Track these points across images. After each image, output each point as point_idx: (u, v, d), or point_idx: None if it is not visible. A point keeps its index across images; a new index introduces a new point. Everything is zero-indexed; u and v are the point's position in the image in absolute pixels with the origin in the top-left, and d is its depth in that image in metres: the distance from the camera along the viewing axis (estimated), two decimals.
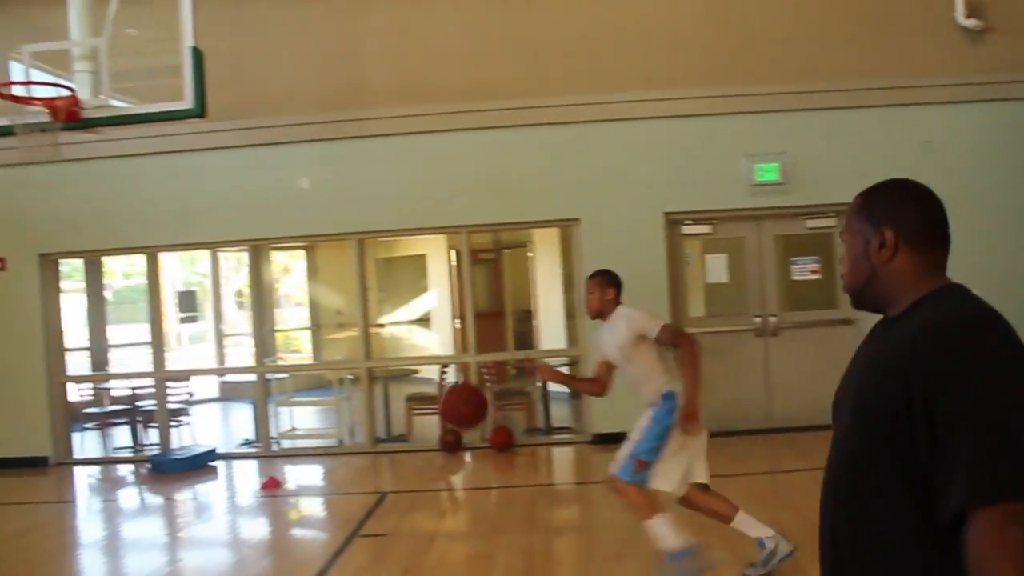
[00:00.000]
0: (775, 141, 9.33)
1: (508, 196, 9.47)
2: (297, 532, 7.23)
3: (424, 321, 15.31)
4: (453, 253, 13.94)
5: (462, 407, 7.04)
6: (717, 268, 9.83)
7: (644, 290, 9.29)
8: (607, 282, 5.50)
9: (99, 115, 7.21)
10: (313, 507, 7.95)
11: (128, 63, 7.59)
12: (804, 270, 9.66)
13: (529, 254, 13.21)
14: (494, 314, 12.98)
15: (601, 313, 5.42)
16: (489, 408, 7.95)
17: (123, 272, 18.98)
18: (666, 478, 5.10)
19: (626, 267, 9.16)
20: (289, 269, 17.16)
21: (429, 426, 10.26)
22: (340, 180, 9.67)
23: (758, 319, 9.59)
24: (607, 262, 9.18)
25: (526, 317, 13.63)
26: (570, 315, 11.13)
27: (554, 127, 9.43)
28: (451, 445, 9.48)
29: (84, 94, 7.21)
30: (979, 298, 1.72)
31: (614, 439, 9.12)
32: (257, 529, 7.28)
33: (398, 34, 9.67)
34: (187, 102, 7.11)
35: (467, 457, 9.35)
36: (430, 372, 12.16)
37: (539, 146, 9.44)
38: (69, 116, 6.94)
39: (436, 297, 14.67)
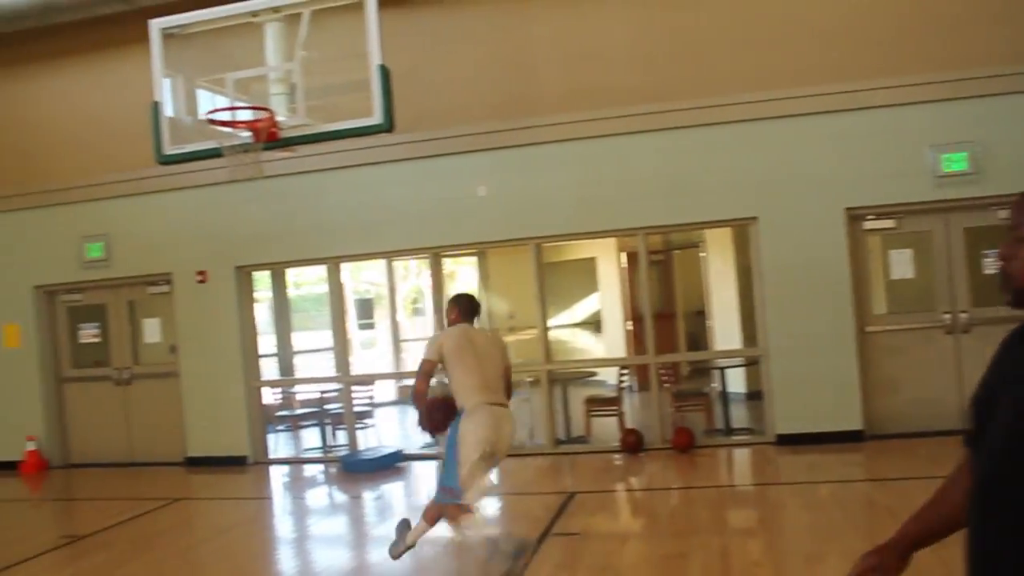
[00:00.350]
0: (962, 129, 8.93)
1: (683, 197, 9.45)
2: (491, 530, 7.39)
3: (593, 324, 15.41)
4: (623, 255, 14.03)
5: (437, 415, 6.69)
6: (902, 263, 9.50)
7: (825, 288, 9.16)
8: (449, 305, 6.24)
9: (296, 134, 7.65)
10: (502, 506, 8.12)
11: (314, 82, 7.98)
12: (997, 264, 9.21)
13: (701, 254, 13.11)
14: (665, 315, 12.96)
15: None
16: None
17: (294, 282, 19.82)
18: (475, 491, 5.77)
19: (806, 264, 9.14)
20: (453, 276, 17.54)
21: (608, 428, 10.34)
22: (515, 187, 9.88)
23: (947, 316, 9.23)
24: (787, 260, 9.16)
25: (698, 318, 13.54)
26: (746, 315, 10.97)
27: (727, 126, 9.34)
28: (632, 446, 9.53)
29: (281, 115, 7.66)
30: None
31: (797, 440, 9.08)
32: (448, 528, 7.49)
33: (568, 40, 9.80)
34: (376, 118, 7.45)
35: (647, 458, 9.37)
36: (603, 375, 12.26)
37: (713, 146, 9.37)
38: (269, 136, 7.40)
39: (606, 300, 14.74)
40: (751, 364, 10.38)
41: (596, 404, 10.63)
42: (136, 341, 11.70)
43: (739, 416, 10.52)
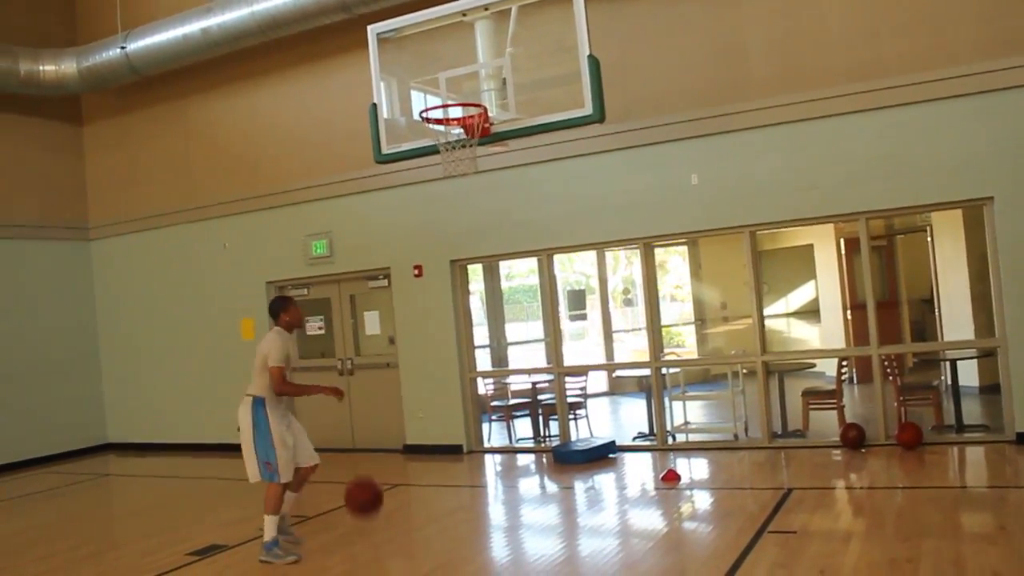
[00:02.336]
0: None
1: (906, 178, 8.89)
2: (703, 526, 7.27)
3: (810, 313, 14.86)
4: (842, 242, 13.43)
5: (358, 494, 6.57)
6: None
7: None
8: (292, 308, 7.40)
9: (507, 128, 7.77)
10: (715, 501, 7.96)
11: (524, 77, 8.07)
12: None
13: (928, 239, 12.35)
14: (889, 304, 12.31)
15: None
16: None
17: (507, 274, 20.12)
18: (286, 470, 6.83)
19: None
20: (664, 265, 17.35)
21: (827, 421, 9.93)
22: (727, 174, 9.63)
23: None
24: None
25: (924, 306, 12.79)
26: (980, 304, 10.25)
27: (955, 100, 8.68)
28: (853, 441, 9.10)
29: (492, 111, 7.80)
30: None
31: None
32: (663, 521, 7.42)
33: (780, 19, 9.43)
34: (587, 109, 7.45)
35: (870, 455, 8.92)
36: (821, 366, 11.78)
37: (938, 122, 8.76)
38: (482, 132, 7.55)
39: (825, 288, 14.17)
40: (986, 356, 9.68)
41: (814, 397, 10.22)
42: (357, 333, 12.26)
43: (971, 412, 9.84)
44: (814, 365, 11.23)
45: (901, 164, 8.90)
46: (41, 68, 12.55)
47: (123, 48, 12.04)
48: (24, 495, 10.95)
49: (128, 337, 13.99)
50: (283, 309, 7.22)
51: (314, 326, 12.47)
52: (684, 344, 16.36)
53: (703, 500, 8.07)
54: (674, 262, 17.49)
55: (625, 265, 18.93)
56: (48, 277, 13.77)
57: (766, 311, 14.18)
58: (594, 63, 7.45)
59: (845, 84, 9.05)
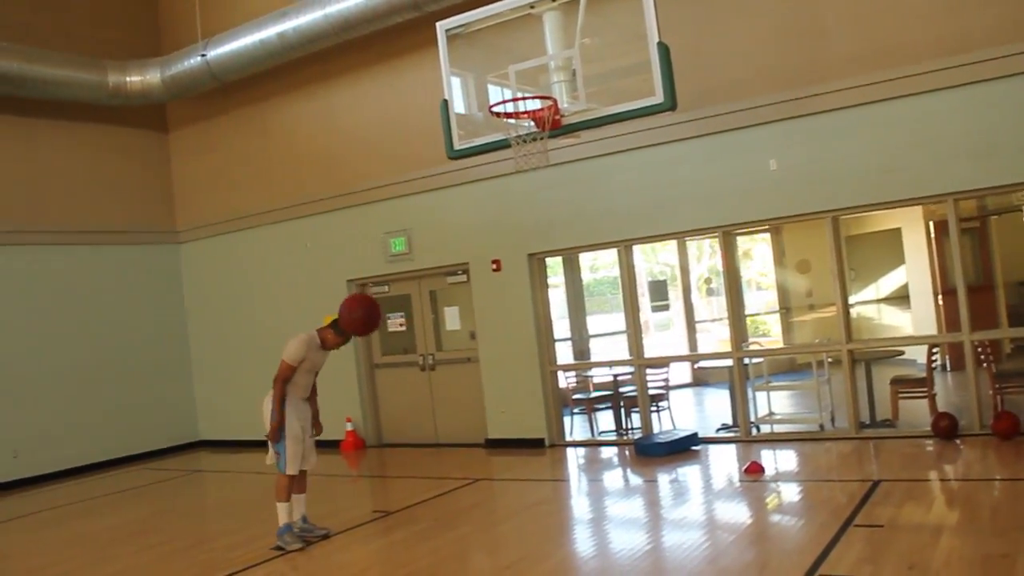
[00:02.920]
0: None
1: (997, 157, 8.52)
2: (787, 519, 7.11)
3: (899, 299, 14.44)
4: (931, 224, 13.01)
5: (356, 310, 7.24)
6: None
7: None
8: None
9: (579, 120, 7.71)
10: (800, 494, 7.79)
11: (594, 68, 8.00)
12: None
13: None
14: (983, 288, 11.87)
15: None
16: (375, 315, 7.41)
17: (590, 267, 20.06)
18: (292, 463, 7.16)
19: None
20: (749, 255, 17.07)
21: (917, 411, 9.63)
22: (807, 158, 9.39)
23: None
24: None
25: (1023, 289, 12.31)
26: None
27: None
28: (945, 431, 8.81)
29: (563, 103, 7.74)
30: None
31: None
32: (746, 514, 7.29)
33: None
34: (657, 97, 7.35)
35: (963, 445, 8.63)
36: (911, 353, 11.44)
37: None
38: (553, 124, 7.50)
39: (914, 273, 13.75)
40: None
41: (904, 385, 9.93)
42: (438, 329, 12.34)
43: None
44: (903, 352, 10.90)
45: (991, 142, 8.55)
46: (128, 79, 12.92)
47: (203, 56, 12.32)
48: (120, 491, 11.31)
49: (217, 337, 14.34)
50: (332, 328, 7.35)
51: (395, 323, 12.59)
52: (769, 333, 16.07)
53: (787, 492, 7.90)
54: (759, 249, 17.17)
55: (709, 254, 18.68)
56: (140, 281, 14.21)
57: (854, 298, 13.88)
58: (664, 50, 7.34)
59: (929, 60, 8.73)
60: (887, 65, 8.92)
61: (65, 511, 10.34)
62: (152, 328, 14.25)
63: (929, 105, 8.81)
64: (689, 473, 8.98)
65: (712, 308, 17.98)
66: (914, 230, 13.54)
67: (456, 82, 8.75)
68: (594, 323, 15.92)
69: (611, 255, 16.10)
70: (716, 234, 10.21)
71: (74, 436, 12.95)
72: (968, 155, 8.64)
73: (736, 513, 7.42)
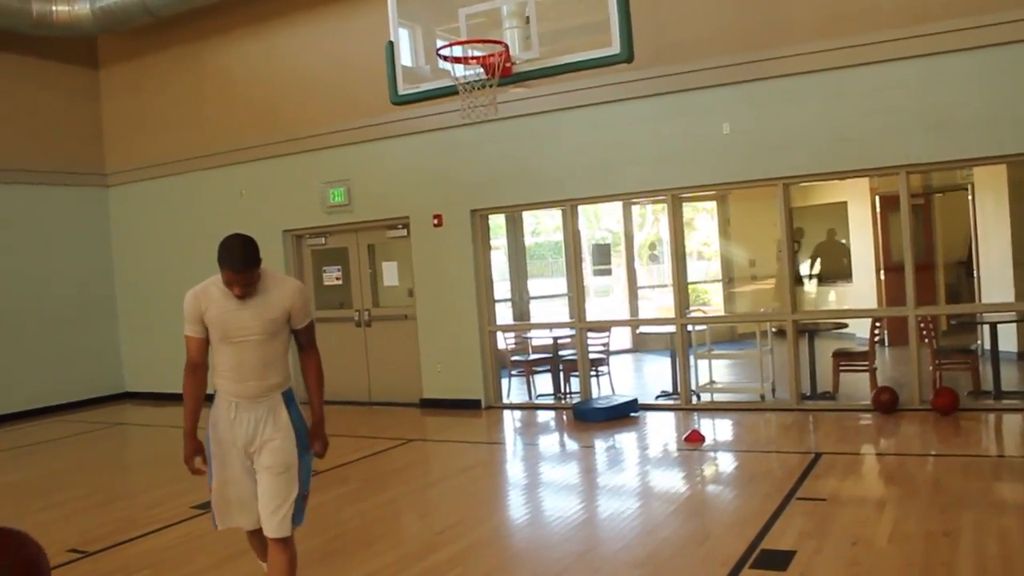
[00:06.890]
0: None
1: (950, 131, 8.41)
2: (728, 490, 6.96)
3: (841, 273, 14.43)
4: (877, 199, 12.96)
5: None
6: None
7: None
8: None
9: (530, 68, 7.38)
10: (740, 465, 7.64)
11: (548, 15, 7.69)
12: None
13: (968, 197, 11.85)
14: (923, 266, 11.87)
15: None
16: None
17: (533, 230, 19.80)
18: (215, 507, 4.43)
19: None
20: (692, 224, 16.94)
21: (858, 384, 9.57)
22: (760, 123, 9.19)
23: None
24: None
25: (959, 268, 12.34)
26: (1022, 266, 9.81)
27: (1002, 48, 8.15)
28: (885, 405, 8.75)
29: (515, 50, 7.41)
30: None
31: None
32: (687, 484, 7.12)
33: None
34: (614, 48, 7.06)
35: (903, 419, 8.57)
36: (853, 327, 11.40)
37: (986, 71, 8.25)
38: (503, 72, 7.17)
39: (858, 247, 13.73)
40: None
41: (845, 358, 9.86)
42: (376, 284, 11.99)
43: (1010, 378, 9.46)
44: (846, 326, 10.84)
45: (945, 116, 8.43)
46: (54, 8, 12.18)
47: None
48: (38, 443, 10.81)
49: (145, 286, 13.78)
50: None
51: (332, 276, 12.21)
52: (710, 303, 16.00)
53: (728, 463, 7.76)
54: (702, 219, 17.05)
55: (652, 222, 18.54)
56: (65, 225, 13.55)
57: (799, 269, 13.84)
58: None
59: (888, 30, 8.55)
60: (847, 32, 8.72)
61: None
62: (76, 275, 13.62)
63: (886, 75, 8.65)
64: (628, 440, 8.81)
65: (653, 275, 17.87)
66: (859, 204, 13.50)
67: (404, 34, 8.37)
68: (535, 286, 15.68)
69: (554, 219, 15.88)
70: (665, 197, 9.98)
71: None
72: (923, 128, 8.51)
73: (676, 482, 7.25)
